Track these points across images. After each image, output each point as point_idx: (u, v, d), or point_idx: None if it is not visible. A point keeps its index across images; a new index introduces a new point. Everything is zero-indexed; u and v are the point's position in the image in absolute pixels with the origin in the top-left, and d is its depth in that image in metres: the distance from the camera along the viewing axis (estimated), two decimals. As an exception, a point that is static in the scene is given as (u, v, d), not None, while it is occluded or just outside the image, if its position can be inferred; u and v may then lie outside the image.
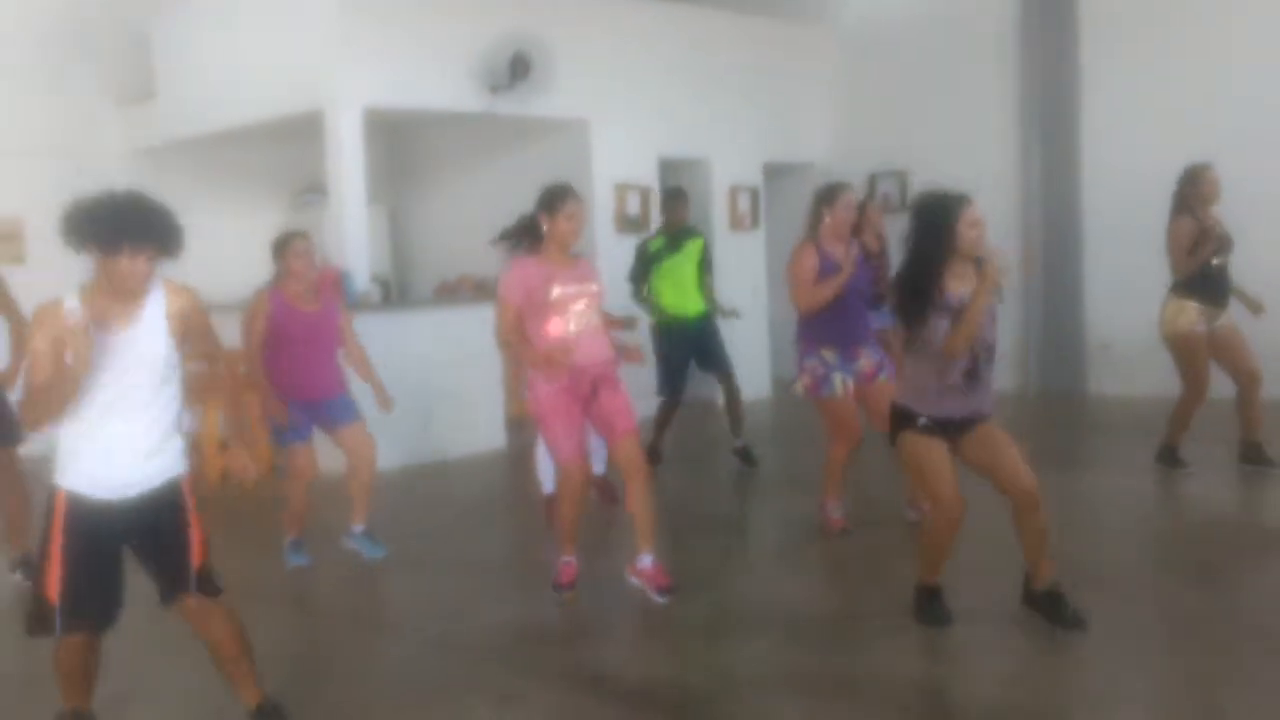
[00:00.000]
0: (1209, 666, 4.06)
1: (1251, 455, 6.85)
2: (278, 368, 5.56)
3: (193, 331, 3.50)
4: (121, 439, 3.36)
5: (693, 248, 7.81)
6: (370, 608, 5.33)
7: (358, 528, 5.96)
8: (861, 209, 8.20)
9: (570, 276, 4.91)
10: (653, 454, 7.77)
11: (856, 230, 7.86)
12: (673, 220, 7.86)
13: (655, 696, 4.05)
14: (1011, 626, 4.47)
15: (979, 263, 4.29)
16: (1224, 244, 6.66)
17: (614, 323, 5.99)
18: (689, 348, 7.79)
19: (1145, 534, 6.01)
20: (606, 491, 6.68)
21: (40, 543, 3.41)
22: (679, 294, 7.75)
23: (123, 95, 10.24)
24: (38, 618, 3.38)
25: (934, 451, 4.32)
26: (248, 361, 5.58)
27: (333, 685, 4.32)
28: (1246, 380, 6.75)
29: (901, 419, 4.40)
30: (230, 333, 4.95)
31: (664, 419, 7.92)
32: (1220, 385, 6.82)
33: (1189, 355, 6.74)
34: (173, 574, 3.53)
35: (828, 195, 5.84)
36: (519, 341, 4.89)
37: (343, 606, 5.39)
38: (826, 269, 5.73)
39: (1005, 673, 4.11)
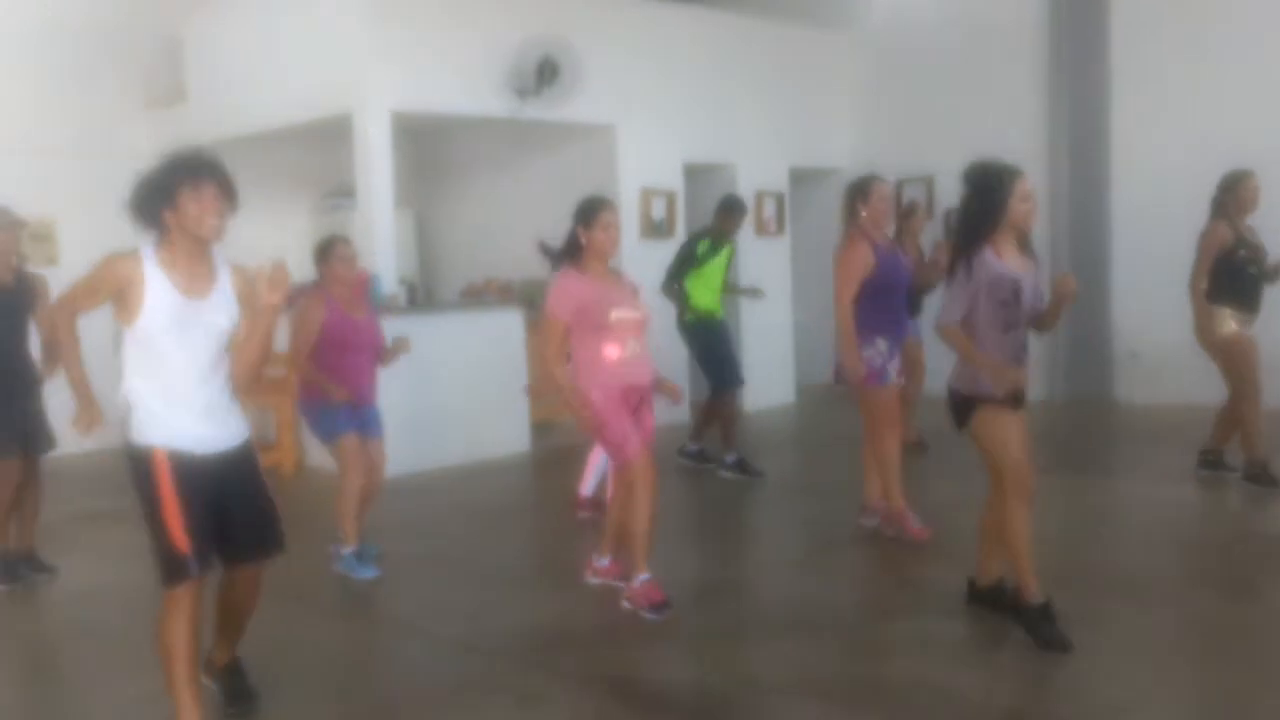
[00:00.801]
0: (1237, 680, 4.02)
1: (1211, 461, 6.88)
2: (324, 371, 5.57)
3: (248, 303, 3.66)
4: (202, 397, 3.54)
5: (727, 254, 7.89)
6: (392, 608, 5.34)
7: (349, 549, 5.68)
8: (909, 215, 8.24)
9: (625, 299, 4.91)
10: (745, 466, 7.72)
11: (900, 237, 7.94)
12: (726, 230, 7.87)
13: (675, 699, 4.05)
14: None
15: (1025, 239, 4.36)
16: (1257, 252, 6.60)
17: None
18: (728, 340, 7.86)
19: (1176, 543, 5.94)
20: (602, 508, 6.69)
21: (148, 503, 3.50)
22: (712, 296, 7.83)
23: (153, 98, 10.35)
24: (172, 568, 3.47)
25: (1012, 425, 4.30)
26: (296, 363, 5.58)
27: (354, 684, 4.34)
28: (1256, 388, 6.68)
29: (968, 404, 4.36)
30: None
31: (729, 413, 7.83)
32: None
33: (1239, 358, 6.62)
34: (264, 532, 3.74)
35: (861, 188, 5.87)
36: (561, 372, 4.87)
37: (364, 607, 5.41)
38: (880, 256, 5.77)
39: (1028, 680, 4.08)
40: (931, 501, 6.25)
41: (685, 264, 7.79)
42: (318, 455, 5.98)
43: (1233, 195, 6.60)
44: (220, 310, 3.57)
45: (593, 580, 5.23)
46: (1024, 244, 4.45)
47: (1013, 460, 4.27)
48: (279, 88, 8.91)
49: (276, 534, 3.78)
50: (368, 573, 5.61)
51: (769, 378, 10.75)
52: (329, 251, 5.65)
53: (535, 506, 7.71)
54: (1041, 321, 4.46)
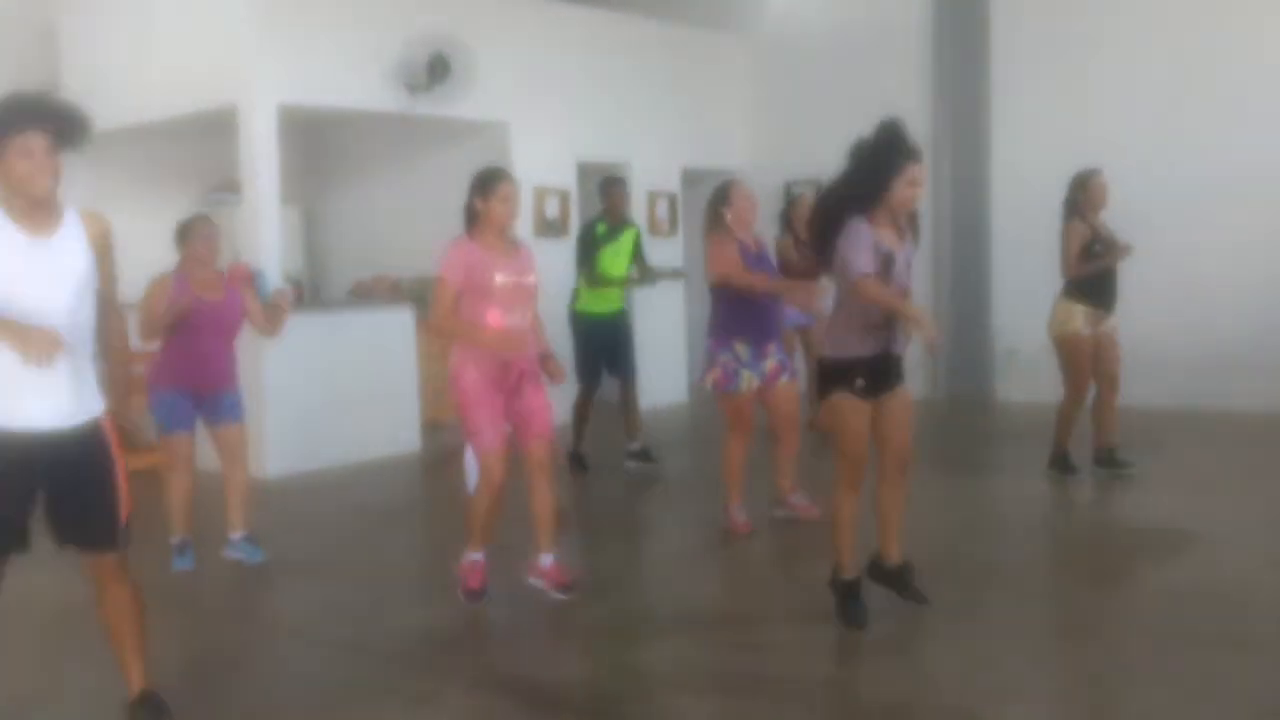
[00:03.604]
0: (1106, 664, 4.19)
1: (1104, 459, 7.11)
2: (172, 353, 5.46)
3: (102, 261, 3.36)
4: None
5: (628, 238, 7.89)
6: (279, 612, 5.25)
7: (237, 535, 5.77)
8: (796, 203, 8.48)
9: (511, 266, 4.86)
10: (577, 461, 7.77)
11: (790, 225, 8.21)
12: (613, 208, 7.89)
13: (567, 698, 4.06)
14: (916, 625, 4.57)
15: (911, 217, 4.48)
16: (1111, 249, 6.89)
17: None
18: (606, 342, 7.85)
19: (1044, 536, 6.19)
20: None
21: None
22: (612, 292, 7.82)
23: (25, 87, 9.93)
24: None
25: (857, 414, 4.38)
26: (145, 341, 5.43)
27: (242, 691, 4.25)
28: (1107, 385, 7.00)
29: (835, 378, 4.42)
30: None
31: (583, 413, 7.89)
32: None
33: (1073, 357, 6.95)
34: (98, 526, 3.37)
35: (722, 192, 6.02)
36: (458, 323, 4.79)
37: (250, 611, 5.31)
38: (746, 257, 5.89)
39: (910, 671, 4.19)
40: (825, 492, 6.36)
41: (588, 247, 7.78)
42: (205, 454, 5.84)
43: (1084, 193, 6.88)
44: (68, 250, 3.23)
45: (533, 582, 5.06)
46: (909, 223, 4.52)
47: (849, 449, 4.39)
48: (160, 79, 8.64)
49: (108, 527, 3.37)
50: (185, 564, 5.67)
51: (662, 376, 10.82)
52: (190, 230, 5.57)
53: (425, 506, 7.64)
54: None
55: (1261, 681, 3.93)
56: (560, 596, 4.93)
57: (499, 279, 4.77)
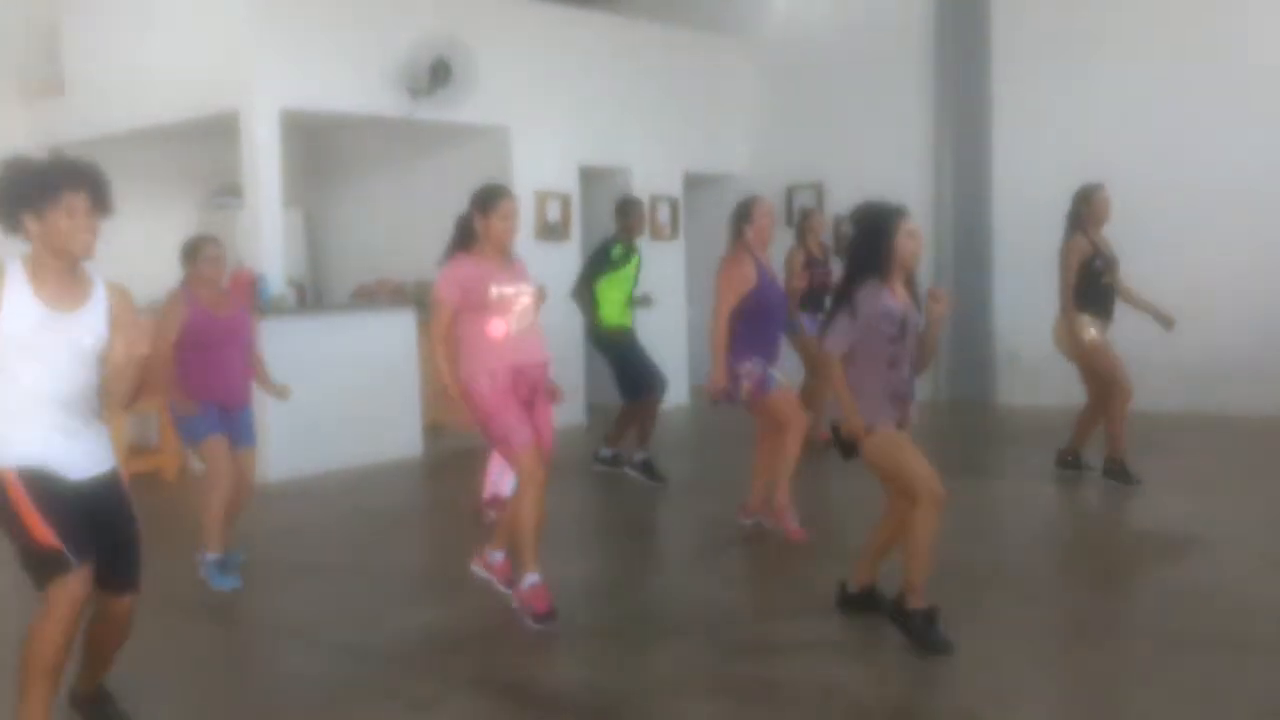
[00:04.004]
0: (1107, 666, 4.19)
1: (1073, 462, 7.17)
2: (189, 372, 5.43)
3: (118, 325, 3.42)
4: (62, 420, 3.33)
5: (636, 262, 7.89)
6: (279, 615, 5.24)
7: (212, 556, 5.50)
8: (807, 216, 8.51)
9: (507, 277, 4.85)
10: (651, 469, 7.69)
11: (802, 239, 8.24)
12: (631, 229, 7.86)
13: (567, 701, 4.06)
14: (919, 629, 4.57)
15: (910, 278, 4.50)
16: (1111, 264, 6.90)
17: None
18: (640, 348, 7.83)
19: (1048, 540, 6.20)
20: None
21: (7, 521, 3.29)
22: (620, 308, 7.79)
23: (28, 88, 9.96)
24: (44, 563, 3.26)
25: (901, 440, 4.38)
26: (161, 360, 5.42)
27: (240, 693, 4.26)
28: (1097, 396, 7.01)
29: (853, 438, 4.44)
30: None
31: (647, 416, 7.76)
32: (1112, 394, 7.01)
33: (1103, 363, 6.90)
34: (124, 568, 3.51)
35: (744, 209, 6.03)
36: (446, 353, 4.79)
37: (253, 614, 5.30)
38: (762, 278, 5.90)
39: (916, 673, 4.19)
40: (826, 499, 6.38)
41: (599, 266, 7.74)
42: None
43: (1087, 207, 6.88)
44: (87, 328, 3.35)
45: (478, 572, 5.09)
46: (908, 282, 4.56)
47: (922, 474, 4.28)
48: (163, 82, 8.65)
49: (136, 571, 3.55)
50: (228, 583, 5.43)
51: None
52: (196, 252, 5.54)
53: (427, 511, 7.64)
54: (921, 351, 4.52)
55: (1263, 683, 3.93)
56: (536, 627, 4.68)
57: (495, 291, 4.76)
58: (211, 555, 5.48)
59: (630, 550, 6.36)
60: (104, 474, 3.46)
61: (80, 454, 3.39)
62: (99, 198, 3.31)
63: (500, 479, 6.36)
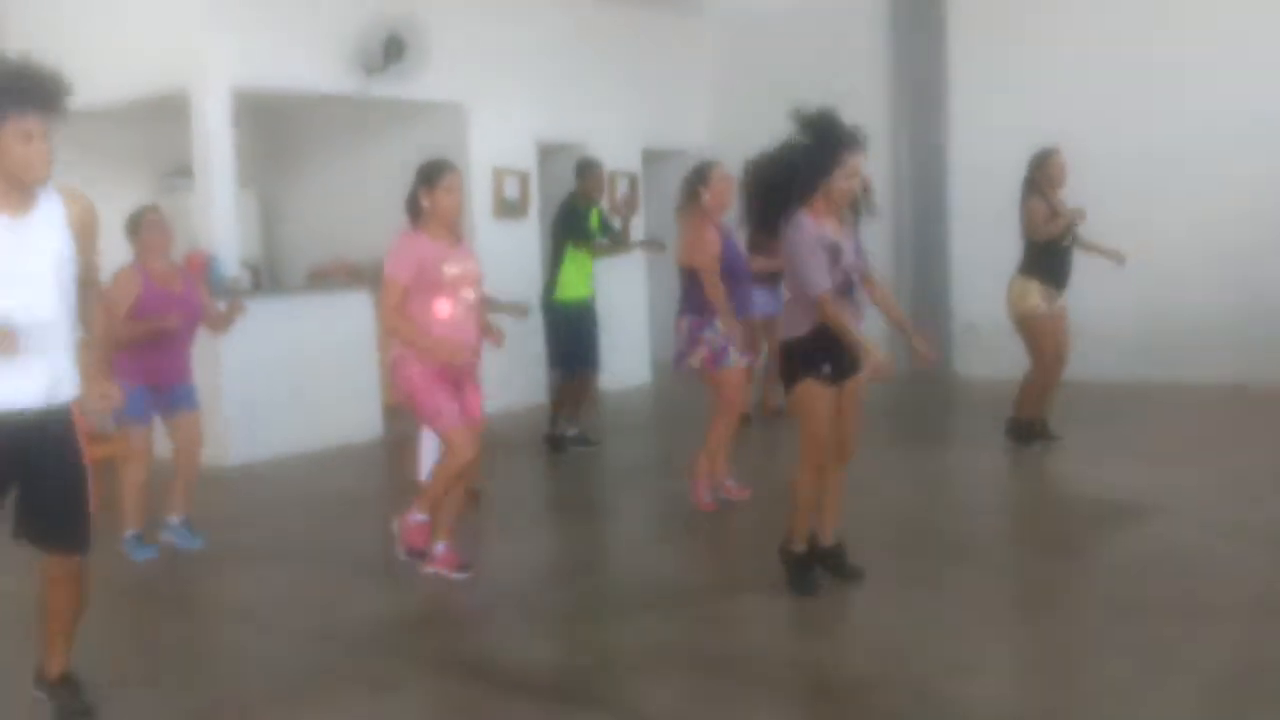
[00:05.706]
0: (1065, 633, 4.26)
1: (1020, 432, 7.20)
2: (131, 348, 5.38)
3: (84, 243, 3.25)
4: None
5: (594, 217, 7.91)
6: (240, 600, 5.20)
7: (175, 519, 5.80)
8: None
9: (458, 255, 4.86)
10: (556, 441, 7.75)
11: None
12: (589, 191, 7.84)
13: (533, 680, 4.06)
14: (881, 599, 4.61)
15: (857, 209, 4.53)
16: (1070, 226, 6.96)
17: (503, 308, 6.02)
18: (586, 327, 7.85)
19: (1003, 509, 6.27)
20: (469, 496, 6.66)
21: None
22: (585, 278, 7.81)
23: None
24: None
25: (823, 400, 4.45)
26: (114, 340, 5.35)
27: (201, 679, 4.22)
28: (1054, 362, 7.08)
29: (803, 364, 4.46)
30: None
31: (570, 395, 7.84)
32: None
33: (1036, 333, 7.02)
34: (69, 527, 3.26)
35: (701, 173, 6.01)
36: (405, 323, 4.76)
37: (214, 600, 5.27)
38: (724, 241, 5.92)
39: (876, 644, 4.23)
40: (782, 471, 6.39)
41: (577, 233, 7.73)
42: (160, 444, 5.80)
43: (1042, 171, 6.96)
44: (43, 231, 3.09)
45: (395, 529, 5.16)
46: (851, 206, 4.53)
47: (815, 433, 4.45)
48: (110, 61, 8.46)
49: (78, 530, 3.30)
50: (145, 553, 5.61)
51: (624, 357, 10.80)
52: (139, 221, 5.55)
53: (387, 492, 7.59)
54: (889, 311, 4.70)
55: (1218, 649, 3.99)
56: (460, 577, 4.98)
57: (449, 270, 4.78)
58: (130, 531, 5.64)
59: (593, 529, 6.36)
60: (54, 408, 3.18)
61: (32, 379, 3.10)
62: (53, 111, 3.07)
63: (433, 457, 6.36)
